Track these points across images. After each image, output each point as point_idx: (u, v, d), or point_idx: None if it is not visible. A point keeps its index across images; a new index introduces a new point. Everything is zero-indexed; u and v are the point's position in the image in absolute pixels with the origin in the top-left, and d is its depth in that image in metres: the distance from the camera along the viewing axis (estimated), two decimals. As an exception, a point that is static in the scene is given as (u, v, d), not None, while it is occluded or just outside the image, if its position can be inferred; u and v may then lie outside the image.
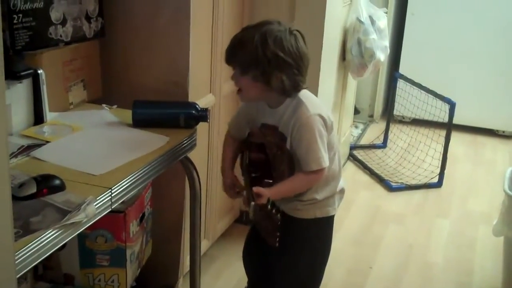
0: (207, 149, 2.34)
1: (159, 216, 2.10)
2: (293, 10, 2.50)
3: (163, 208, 2.13)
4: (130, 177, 1.50)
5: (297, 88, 1.69)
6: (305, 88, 1.73)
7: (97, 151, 1.65)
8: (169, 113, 1.84)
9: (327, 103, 2.84)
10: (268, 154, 1.80)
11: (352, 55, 3.00)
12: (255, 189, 1.61)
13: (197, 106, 1.86)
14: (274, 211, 1.63)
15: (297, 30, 1.69)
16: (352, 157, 3.84)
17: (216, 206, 2.49)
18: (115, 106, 1.99)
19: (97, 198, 1.34)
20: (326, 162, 1.70)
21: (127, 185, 1.49)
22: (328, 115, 1.74)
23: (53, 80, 1.84)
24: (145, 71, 2.10)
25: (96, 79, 2.11)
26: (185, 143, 1.80)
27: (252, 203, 1.57)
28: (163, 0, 2.01)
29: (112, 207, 1.42)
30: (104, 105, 1.98)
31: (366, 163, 3.73)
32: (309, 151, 1.68)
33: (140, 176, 1.56)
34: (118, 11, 2.08)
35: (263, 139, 1.81)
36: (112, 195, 1.41)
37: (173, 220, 2.19)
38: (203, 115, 1.85)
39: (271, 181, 1.73)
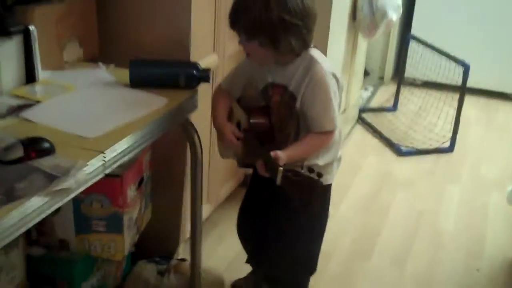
0: (209, 111, 2.24)
1: (159, 180, 2.02)
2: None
3: (164, 172, 2.05)
4: (125, 141, 1.41)
5: (306, 46, 1.61)
6: (314, 47, 1.64)
7: (91, 112, 1.56)
8: (168, 72, 1.73)
9: (337, 64, 2.73)
10: (272, 117, 1.71)
11: (363, 14, 2.87)
12: (273, 153, 1.51)
13: (198, 65, 1.75)
14: (313, 175, 1.41)
15: None
16: (361, 120, 3.73)
17: (219, 169, 2.40)
18: (112, 65, 1.89)
19: (88, 163, 1.25)
20: (338, 122, 1.65)
21: (122, 149, 1.40)
22: (339, 74, 1.67)
23: (45, 37, 1.73)
24: (144, 29, 1.99)
25: (93, 36, 2.00)
26: (185, 104, 1.70)
27: (280, 168, 1.42)
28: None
29: (106, 172, 1.34)
30: (100, 63, 1.87)
31: (376, 126, 3.63)
32: (325, 110, 1.61)
33: (136, 139, 1.47)
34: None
35: (267, 101, 1.71)
36: (105, 160, 1.32)
37: (173, 185, 2.10)
38: (204, 75, 1.75)
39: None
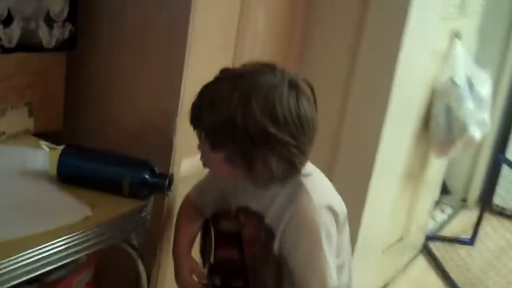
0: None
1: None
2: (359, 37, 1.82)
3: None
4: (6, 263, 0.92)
5: (294, 172, 1.08)
6: (307, 174, 1.10)
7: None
8: (107, 172, 1.22)
9: (391, 172, 2.11)
10: (244, 251, 1.16)
11: (437, 125, 2.26)
12: None
13: (154, 168, 1.23)
14: None
15: (304, 80, 1.06)
16: (426, 251, 3.03)
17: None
18: (61, 147, 1.41)
19: None
20: (333, 280, 1.11)
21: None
22: (340, 206, 1.15)
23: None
24: (123, 105, 1.52)
25: (56, 105, 1.55)
26: (123, 221, 1.18)
27: None
28: (158, 8, 1.42)
29: None
30: (42, 142, 1.40)
31: (443, 262, 2.91)
32: (310, 262, 1.10)
33: (22, 263, 0.96)
34: (98, 19, 1.52)
35: (240, 228, 1.17)
36: None
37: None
38: (159, 183, 1.22)
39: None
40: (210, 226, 1.25)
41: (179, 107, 1.41)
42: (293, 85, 1.05)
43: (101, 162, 1.23)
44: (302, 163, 1.08)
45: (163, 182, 1.21)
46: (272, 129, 1.01)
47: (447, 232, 3.36)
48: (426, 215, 2.99)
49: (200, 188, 1.30)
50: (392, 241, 2.51)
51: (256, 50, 1.66)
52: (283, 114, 1.02)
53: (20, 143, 1.42)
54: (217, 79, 1.09)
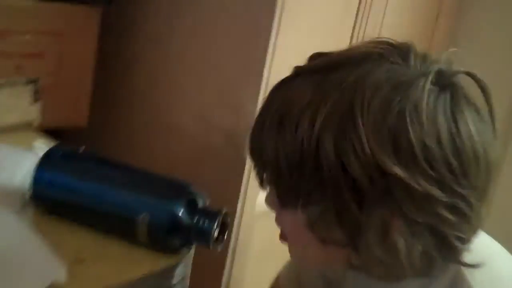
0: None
1: None
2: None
3: None
4: None
5: (448, 258, 0.54)
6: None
7: None
8: (113, 200, 0.68)
9: None
10: None
11: None
12: None
13: (197, 199, 0.68)
14: None
15: (468, 74, 0.50)
16: None
17: None
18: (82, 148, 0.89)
19: None
20: None
21: None
22: None
23: None
24: (177, 101, 1.00)
25: (79, 88, 1.05)
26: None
27: None
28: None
29: None
30: (40, 141, 0.89)
31: None
32: None
33: None
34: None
35: None
36: None
37: None
38: (201, 228, 0.66)
39: None
40: None
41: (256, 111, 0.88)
42: (446, 85, 0.48)
43: (105, 181, 0.69)
44: (465, 240, 0.50)
45: (208, 226, 0.66)
46: (399, 170, 0.46)
47: None
48: None
49: (295, 272, 0.74)
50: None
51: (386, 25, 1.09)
52: (423, 142, 0.45)
53: (12, 139, 0.91)
54: (296, 75, 0.53)
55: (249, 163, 0.98)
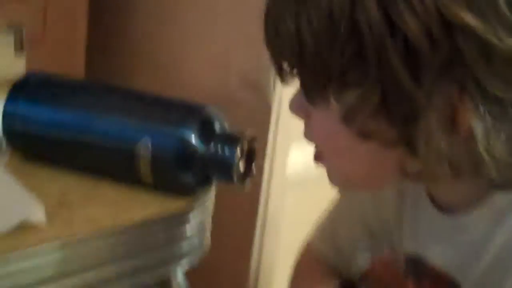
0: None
1: None
2: None
3: None
4: None
5: None
6: None
7: None
8: (104, 125, 0.53)
9: None
10: None
11: None
12: None
13: (214, 121, 0.53)
14: None
15: None
16: None
17: None
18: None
19: None
20: None
21: None
22: None
23: None
24: (198, 47, 0.86)
25: (75, 38, 0.90)
26: (135, 246, 0.48)
27: None
28: None
29: None
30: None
31: None
32: None
33: None
34: None
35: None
36: None
37: None
38: (221, 156, 0.51)
39: None
40: None
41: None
42: None
43: (94, 108, 0.54)
44: None
45: (230, 153, 0.50)
46: (472, 20, 0.32)
47: None
48: None
49: (329, 229, 0.58)
50: None
51: None
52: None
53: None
54: None
55: (275, 113, 0.83)
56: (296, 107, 0.42)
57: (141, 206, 0.50)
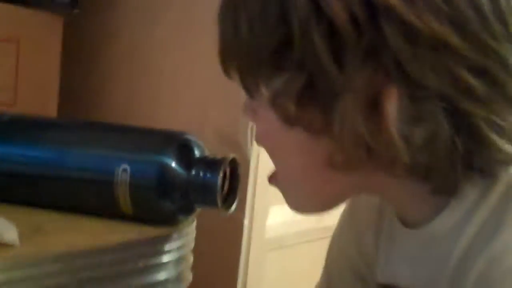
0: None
1: None
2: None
3: None
4: None
5: (484, 152, 0.35)
6: None
7: None
8: (80, 163, 0.51)
9: None
10: None
11: None
12: None
13: (194, 146, 0.51)
14: None
15: None
16: None
17: None
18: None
19: None
20: None
21: None
22: None
23: None
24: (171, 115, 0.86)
25: (48, 80, 0.89)
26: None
27: None
28: None
29: None
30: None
31: None
32: None
33: None
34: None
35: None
36: None
37: None
38: (204, 181, 0.49)
39: None
40: None
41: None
42: None
43: (65, 142, 0.52)
44: (503, 128, 0.34)
45: (212, 177, 0.48)
46: (400, 5, 0.33)
47: None
48: None
49: (325, 284, 0.56)
50: None
51: None
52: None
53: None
54: None
55: (253, 165, 0.82)
56: (244, 108, 0.42)
57: (117, 233, 0.47)
